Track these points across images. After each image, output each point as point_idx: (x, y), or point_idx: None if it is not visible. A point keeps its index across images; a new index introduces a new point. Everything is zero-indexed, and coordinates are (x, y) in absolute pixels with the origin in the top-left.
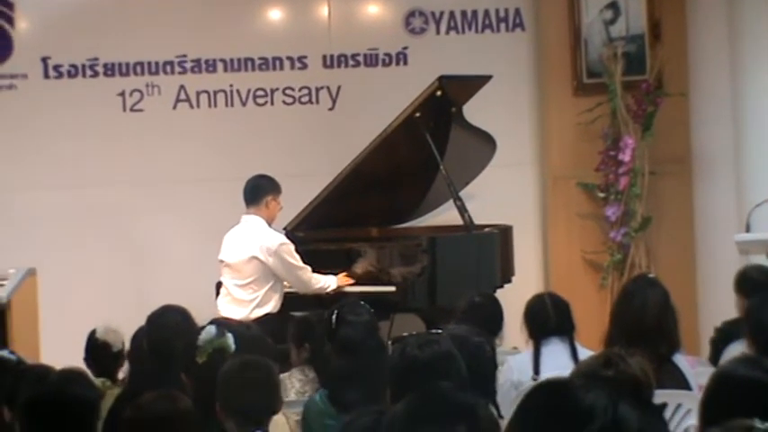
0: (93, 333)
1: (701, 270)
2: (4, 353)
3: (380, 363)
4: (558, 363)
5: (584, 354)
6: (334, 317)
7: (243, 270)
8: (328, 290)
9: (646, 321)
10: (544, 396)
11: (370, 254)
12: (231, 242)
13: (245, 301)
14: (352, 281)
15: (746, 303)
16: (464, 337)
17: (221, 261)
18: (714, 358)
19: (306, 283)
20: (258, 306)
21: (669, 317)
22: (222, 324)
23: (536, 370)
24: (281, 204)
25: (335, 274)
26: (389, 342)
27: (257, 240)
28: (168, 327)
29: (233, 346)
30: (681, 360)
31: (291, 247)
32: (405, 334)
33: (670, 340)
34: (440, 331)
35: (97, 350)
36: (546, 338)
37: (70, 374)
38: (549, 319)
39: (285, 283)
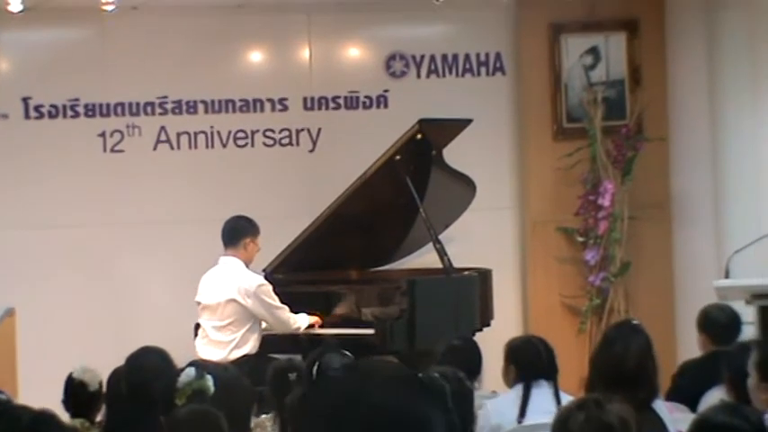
0: (70, 374)
1: (679, 315)
2: None
3: None
4: (543, 407)
5: (566, 399)
6: (315, 368)
7: (221, 312)
8: (302, 329)
9: (626, 367)
10: None
11: (349, 296)
12: (209, 284)
13: (223, 343)
14: (320, 322)
15: (726, 350)
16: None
17: (198, 303)
18: (672, 394)
19: (285, 322)
20: (236, 347)
21: (650, 364)
22: (201, 366)
23: (522, 413)
24: (259, 246)
25: (308, 312)
26: None
27: (235, 282)
28: (147, 368)
29: (212, 388)
30: (660, 406)
31: (269, 287)
32: None
33: (649, 387)
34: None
35: (74, 390)
36: (534, 381)
37: (42, 417)
38: (540, 361)
39: (263, 324)
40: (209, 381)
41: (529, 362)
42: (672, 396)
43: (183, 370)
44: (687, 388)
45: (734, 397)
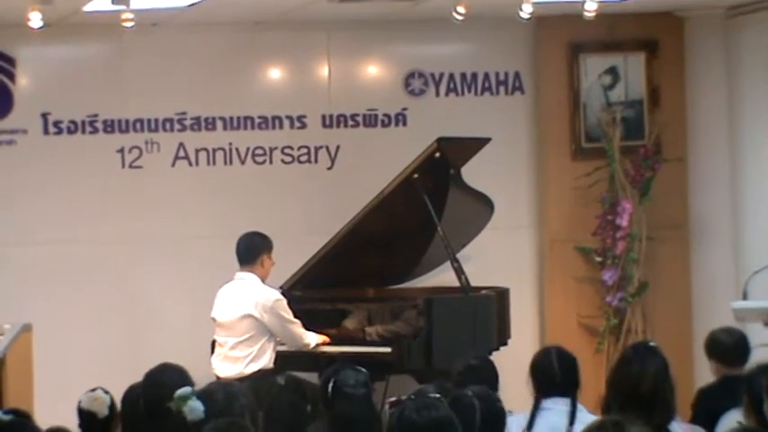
0: (79, 403)
1: (697, 336)
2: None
3: None
4: (550, 423)
5: (585, 417)
6: (330, 386)
7: (237, 327)
8: (311, 346)
9: (642, 389)
10: None
11: (366, 314)
12: (225, 299)
13: (239, 358)
14: (324, 339)
15: (741, 373)
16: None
17: (213, 319)
18: (690, 422)
19: (297, 338)
20: (252, 361)
21: (667, 386)
22: (210, 390)
23: (529, 426)
24: (274, 261)
25: (327, 334)
26: (386, 405)
27: (252, 297)
28: (166, 385)
29: (192, 416)
30: (677, 429)
31: (285, 302)
32: (403, 397)
33: (665, 409)
34: (438, 395)
35: (85, 418)
36: (549, 396)
37: None
38: (553, 374)
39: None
40: (197, 409)
41: (542, 375)
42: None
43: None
44: (703, 413)
45: (753, 421)
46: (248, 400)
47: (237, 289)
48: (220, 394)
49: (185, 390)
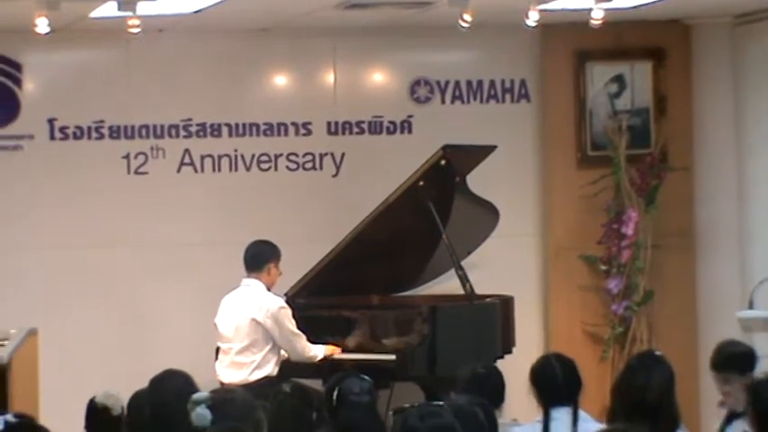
0: (92, 399)
1: (702, 345)
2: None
3: None
4: None
5: (590, 426)
6: (335, 394)
7: (241, 333)
8: (316, 359)
9: (647, 398)
10: None
11: (370, 322)
12: (230, 306)
13: (244, 364)
14: (339, 351)
15: (750, 382)
16: (467, 409)
17: (215, 325)
18: None
19: (299, 351)
20: (257, 368)
21: (672, 396)
22: (217, 398)
23: None
24: (281, 271)
25: (333, 343)
26: (390, 413)
27: (257, 302)
28: (171, 391)
29: (198, 422)
30: None
31: (290, 312)
32: (406, 405)
33: (670, 418)
34: (441, 403)
35: (97, 415)
36: (554, 404)
37: None
38: (556, 383)
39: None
40: (205, 417)
41: (545, 384)
42: None
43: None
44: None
45: (757, 431)
46: (263, 416)
47: (242, 295)
48: (238, 405)
49: (201, 395)
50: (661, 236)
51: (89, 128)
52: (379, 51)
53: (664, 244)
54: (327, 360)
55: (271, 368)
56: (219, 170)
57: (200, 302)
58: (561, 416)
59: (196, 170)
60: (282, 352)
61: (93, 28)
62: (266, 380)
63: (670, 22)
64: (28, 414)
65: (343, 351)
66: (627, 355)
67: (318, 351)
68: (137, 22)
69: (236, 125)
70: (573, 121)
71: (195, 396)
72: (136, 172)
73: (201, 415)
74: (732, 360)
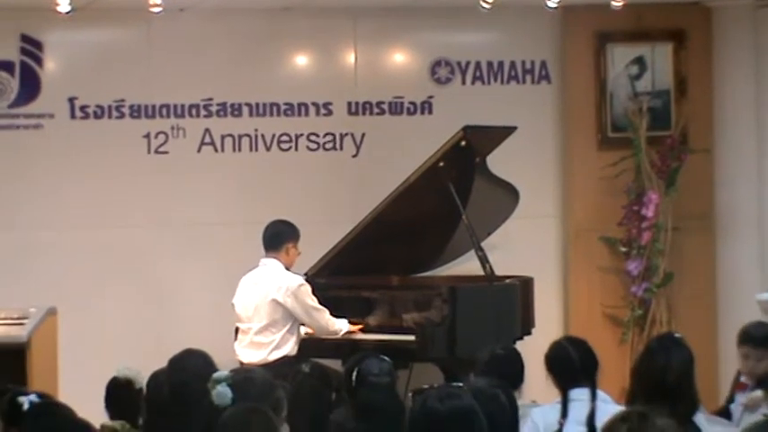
0: (114, 377)
1: (722, 327)
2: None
3: (399, 425)
4: (580, 417)
5: (610, 408)
6: (354, 374)
7: (261, 313)
8: (340, 333)
9: (667, 380)
10: None
11: (390, 302)
12: (248, 285)
13: (263, 344)
14: (359, 329)
15: None
16: (487, 391)
17: (233, 305)
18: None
19: (323, 325)
20: (276, 348)
21: (691, 378)
22: (236, 376)
23: (561, 426)
24: (300, 251)
25: (353, 322)
26: (409, 394)
27: (276, 282)
28: (190, 370)
29: (222, 403)
30: (701, 420)
31: (309, 288)
32: (425, 386)
33: (690, 400)
34: (461, 384)
35: (118, 390)
36: (572, 387)
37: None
38: (572, 365)
39: (302, 329)
40: (225, 395)
41: (562, 368)
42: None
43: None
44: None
45: None
46: (283, 395)
47: (260, 275)
48: (258, 384)
49: (222, 374)
50: (681, 218)
51: (110, 107)
52: (399, 32)
53: (684, 226)
54: (349, 336)
55: (290, 348)
56: (240, 150)
57: (219, 282)
58: (580, 396)
59: (216, 150)
60: (302, 331)
61: (114, 7)
62: (285, 359)
63: (691, 4)
64: (47, 393)
65: (363, 331)
66: (646, 338)
67: (342, 325)
68: (158, 1)
69: (257, 105)
70: (593, 103)
71: (216, 375)
72: (156, 151)
73: (222, 393)
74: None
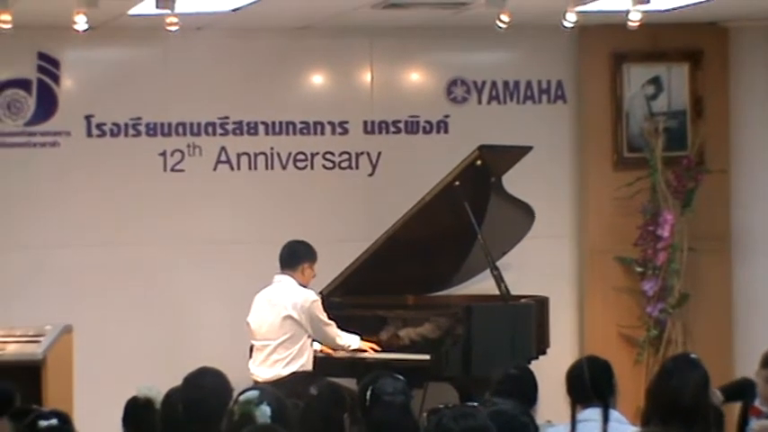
0: (133, 397)
1: (737, 349)
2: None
3: None
4: None
5: (625, 429)
6: (368, 393)
7: (275, 330)
8: (350, 348)
9: (682, 401)
10: None
11: (405, 321)
12: (263, 303)
13: (278, 361)
14: (372, 346)
15: None
16: (507, 414)
17: (248, 323)
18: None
19: (330, 338)
20: (291, 362)
21: (707, 399)
22: (262, 392)
23: None
24: (315, 272)
25: (368, 340)
26: (424, 414)
27: (290, 298)
28: (205, 389)
29: (262, 419)
30: None
31: (320, 303)
32: (440, 405)
33: (705, 422)
34: (476, 404)
35: (138, 409)
36: (586, 406)
37: None
38: (583, 383)
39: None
40: (264, 412)
41: (574, 385)
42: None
43: (243, 392)
44: None
45: None
46: (294, 412)
47: (275, 291)
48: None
49: (253, 393)
50: (697, 238)
51: (126, 125)
52: (416, 51)
53: (700, 247)
54: (363, 354)
55: (304, 361)
56: (256, 168)
57: (234, 300)
58: (593, 416)
59: (232, 168)
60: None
61: (131, 25)
62: (300, 375)
63: (707, 24)
64: (62, 412)
65: (377, 350)
66: (661, 358)
67: (352, 341)
68: (175, 19)
69: (273, 123)
70: (609, 123)
71: (245, 397)
72: (172, 169)
73: (265, 411)
74: None
